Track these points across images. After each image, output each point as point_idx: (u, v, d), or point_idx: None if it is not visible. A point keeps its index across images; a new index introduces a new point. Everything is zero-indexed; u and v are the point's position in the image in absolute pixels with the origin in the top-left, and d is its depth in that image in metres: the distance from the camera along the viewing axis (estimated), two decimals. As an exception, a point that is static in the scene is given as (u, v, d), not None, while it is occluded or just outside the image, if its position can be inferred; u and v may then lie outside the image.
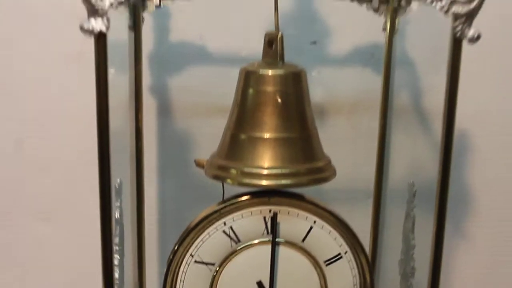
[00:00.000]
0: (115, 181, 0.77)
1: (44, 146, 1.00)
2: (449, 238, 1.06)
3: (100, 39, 0.63)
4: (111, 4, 0.62)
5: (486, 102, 1.03)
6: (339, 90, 1.00)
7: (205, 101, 0.97)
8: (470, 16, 0.66)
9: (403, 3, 0.80)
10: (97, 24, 0.62)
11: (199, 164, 0.79)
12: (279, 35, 0.75)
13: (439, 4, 0.66)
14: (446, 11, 0.66)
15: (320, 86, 1.00)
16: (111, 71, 0.67)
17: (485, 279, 1.09)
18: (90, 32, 0.62)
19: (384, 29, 0.86)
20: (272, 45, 0.75)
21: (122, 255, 0.78)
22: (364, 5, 0.84)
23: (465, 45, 0.67)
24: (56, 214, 1.02)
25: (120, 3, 0.63)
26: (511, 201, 1.06)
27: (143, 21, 0.83)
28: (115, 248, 0.77)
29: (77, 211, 1.01)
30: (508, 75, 1.02)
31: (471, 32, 0.66)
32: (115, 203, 0.77)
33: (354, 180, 1.00)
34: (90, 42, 0.63)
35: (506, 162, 1.05)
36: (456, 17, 0.66)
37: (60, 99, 0.98)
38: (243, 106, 0.74)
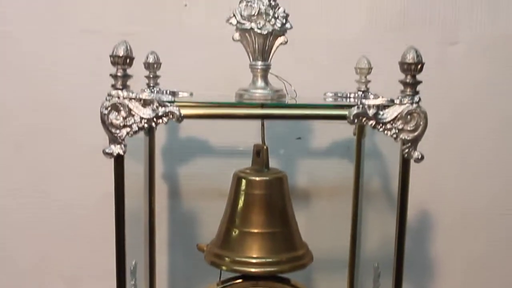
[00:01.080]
0: (130, 262, 0.89)
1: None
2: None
3: (119, 160, 0.77)
4: (128, 133, 0.76)
5: (444, 183, 1.16)
6: (320, 177, 1.13)
7: (209, 186, 1.10)
8: (414, 141, 0.79)
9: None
10: (116, 149, 0.76)
11: (200, 249, 0.92)
12: (265, 147, 0.88)
13: (389, 132, 0.79)
14: (395, 138, 0.79)
15: (305, 174, 1.13)
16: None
17: None
18: (110, 154, 0.76)
19: (355, 134, 0.99)
20: (259, 154, 0.89)
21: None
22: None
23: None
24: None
25: (135, 132, 0.76)
26: (471, 267, 1.19)
27: (156, 128, 0.96)
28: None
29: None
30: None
31: (416, 154, 0.79)
32: (130, 282, 0.90)
33: (332, 252, 1.12)
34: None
35: (464, 233, 1.18)
36: (404, 142, 0.79)
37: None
38: (235, 205, 0.88)
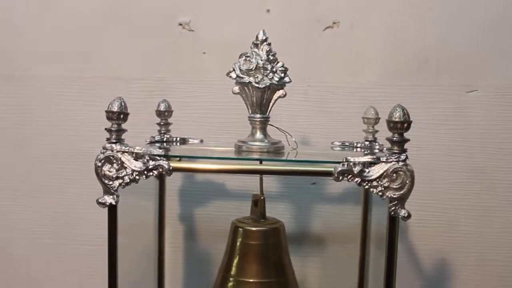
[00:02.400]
0: None
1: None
2: None
3: (111, 209, 0.79)
4: (120, 185, 0.78)
5: (463, 236, 1.12)
6: (335, 223, 1.12)
7: (224, 228, 1.10)
8: (401, 200, 0.77)
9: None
10: (109, 199, 0.78)
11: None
12: (262, 198, 0.88)
13: (375, 190, 0.77)
14: (381, 195, 0.77)
15: (319, 220, 1.12)
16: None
17: None
18: (103, 204, 0.78)
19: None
20: (257, 204, 0.89)
21: None
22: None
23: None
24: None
25: (127, 183, 0.78)
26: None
27: (168, 174, 0.98)
28: None
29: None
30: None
31: (403, 212, 0.77)
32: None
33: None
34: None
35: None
36: (390, 200, 0.77)
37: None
38: (232, 254, 0.89)
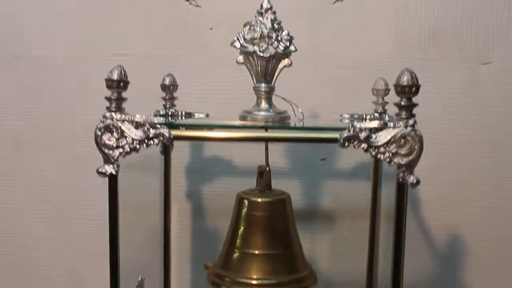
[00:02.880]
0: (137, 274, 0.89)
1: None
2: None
3: (112, 179, 0.76)
4: (120, 154, 0.76)
5: (480, 210, 1.09)
6: (344, 199, 1.09)
7: (229, 203, 1.07)
8: (409, 166, 0.74)
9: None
10: (109, 169, 0.76)
11: (207, 268, 0.90)
12: (267, 169, 0.85)
13: (382, 156, 0.74)
14: (389, 162, 0.74)
15: (329, 196, 1.09)
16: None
17: None
18: (103, 174, 0.75)
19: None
20: (263, 176, 0.86)
21: None
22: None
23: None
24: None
25: (128, 153, 0.76)
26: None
27: (172, 148, 0.96)
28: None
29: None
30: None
31: (411, 179, 0.74)
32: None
33: (352, 276, 1.07)
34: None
35: (499, 263, 1.10)
36: (399, 166, 0.74)
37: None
38: (237, 226, 0.86)
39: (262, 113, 0.82)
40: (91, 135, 0.76)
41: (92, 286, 1.17)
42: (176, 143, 0.96)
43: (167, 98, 0.96)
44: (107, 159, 0.76)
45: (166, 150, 0.96)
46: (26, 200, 1.17)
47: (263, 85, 0.83)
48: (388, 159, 0.74)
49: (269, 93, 0.84)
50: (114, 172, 0.76)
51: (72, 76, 1.13)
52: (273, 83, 0.84)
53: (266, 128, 0.79)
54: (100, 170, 0.76)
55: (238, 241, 0.85)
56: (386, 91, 0.93)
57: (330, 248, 1.09)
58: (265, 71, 0.82)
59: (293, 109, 0.87)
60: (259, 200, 0.84)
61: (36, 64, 1.14)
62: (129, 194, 0.84)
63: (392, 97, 0.89)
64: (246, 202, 0.85)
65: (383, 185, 0.97)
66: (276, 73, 0.84)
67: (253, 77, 0.84)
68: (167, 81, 0.96)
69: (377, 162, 0.96)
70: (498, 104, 1.07)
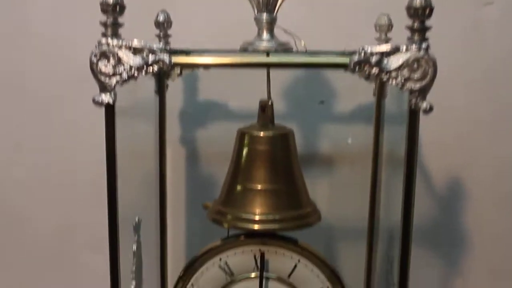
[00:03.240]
0: (133, 219, 0.85)
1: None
2: (446, 277, 1.09)
3: (109, 109, 0.72)
4: (117, 82, 0.71)
5: (477, 151, 1.06)
6: (343, 143, 1.05)
7: (227, 150, 1.03)
8: (422, 91, 0.70)
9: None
10: (106, 98, 0.71)
11: (206, 207, 0.86)
12: (270, 102, 0.81)
13: (394, 81, 0.70)
14: (402, 87, 0.70)
15: (327, 140, 1.05)
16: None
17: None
18: (100, 103, 0.71)
19: (374, 94, 0.90)
20: (264, 110, 0.81)
21: (139, 283, 0.85)
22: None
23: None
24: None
25: (125, 81, 0.71)
26: (501, 241, 1.08)
27: (167, 88, 0.91)
28: (132, 275, 0.85)
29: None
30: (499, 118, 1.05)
31: (424, 105, 0.70)
32: (133, 238, 0.85)
33: (353, 220, 1.04)
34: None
35: (496, 204, 1.07)
36: (411, 91, 0.70)
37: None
38: (238, 161, 0.81)
39: (264, 43, 0.78)
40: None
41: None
42: (170, 87, 0.92)
43: (161, 35, 0.91)
44: (103, 88, 0.72)
45: (161, 90, 0.91)
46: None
47: (264, 15, 0.78)
48: (400, 85, 0.70)
49: (271, 23, 0.79)
50: (111, 102, 0.72)
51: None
52: (275, 13, 0.79)
53: (267, 53, 0.74)
54: (96, 99, 0.72)
55: (239, 177, 0.81)
56: (389, 26, 0.89)
57: (330, 194, 1.06)
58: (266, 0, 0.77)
59: (295, 42, 0.82)
60: (261, 134, 0.80)
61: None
62: (123, 141, 0.79)
63: (395, 34, 0.87)
64: (247, 136, 0.81)
65: (385, 128, 0.93)
66: (279, 2, 0.79)
67: (254, 6, 0.79)
68: (161, 18, 0.91)
69: (379, 102, 0.91)
70: (500, 46, 1.03)
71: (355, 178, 1.05)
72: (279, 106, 1.02)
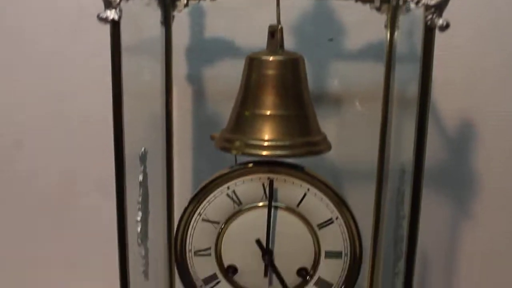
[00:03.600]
0: (140, 150, 0.82)
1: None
2: (455, 218, 1.06)
3: (115, 26, 0.69)
4: (122, -3, 0.68)
5: (489, 93, 1.02)
6: (353, 82, 1.02)
7: (234, 88, 1.00)
8: (439, 7, 0.67)
9: (400, 2, 0.81)
10: (111, 14, 0.68)
11: (213, 138, 0.83)
12: (279, 27, 0.78)
13: (410, -4, 0.67)
14: (417, 3, 0.67)
15: (336, 78, 1.02)
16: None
17: (490, 254, 1.09)
18: (105, 20, 0.67)
19: (386, 26, 0.87)
20: (274, 35, 0.78)
21: (145, 213, 0.83)
22: (368, 5, 0.85)
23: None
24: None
25: (131, -4, 0.68)
26: (510, 184, 1.05)
27: (173, 19, 0.88)
28: (138, 206, 0.82)
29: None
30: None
31: (440, 21, 0.67)
32: (139, 168, 0.82)
33: (362, 160, 1.01)
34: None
35: (507, 148, 1.04)
36: (427, 8, 0.67)
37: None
38: (247, 87, 0.78)
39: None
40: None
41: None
42: (175, 21, 0.89)
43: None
44: (108, 3, 0.68)
45: (166, 21, 0.88)
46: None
47: None
48: (416, 0, 0.66)
49: None
50: (116, 18, 0.68)
51: None
52: None
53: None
54: (100, 16, 0.68)
55: (248, 103, 0.78)
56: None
57: (339, 134, 1.02)
58: None
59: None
60: (271, 58, 0.77)
61: None
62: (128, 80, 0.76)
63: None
64: (256, 61, 0.77)
65: (396, 67, 0.89)
66: None
67: None
68: None
69: (392, 35, 0.88)
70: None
71: (366, 117, 1.02)
72: (287, 43, 0.99)
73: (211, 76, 1.03)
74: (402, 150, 0.99)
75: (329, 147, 0.79)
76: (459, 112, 1.03)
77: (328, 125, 1.00)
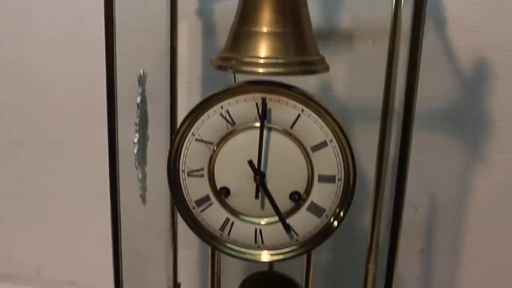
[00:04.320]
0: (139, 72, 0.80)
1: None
2: (466, 162, 1.01)
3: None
4: None
5: (506, 30, 0.96)
6: (364, 18, 0.97)
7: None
8: None
9: None
10: None
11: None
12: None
13: None
14: None
15: (348, 14, 0.98)
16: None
17: (502, 199, 1.03)
18: None
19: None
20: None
21: (142, 136, 0.81)
22: None
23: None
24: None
25: None
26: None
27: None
28: (135, 128, 0.81)
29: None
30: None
31: None
32: (137, 90, 0.81)
33: (369, 99, 0.98)
34: None
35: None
36: None
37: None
38: (245, 5, 0.75)
39: None
40: None
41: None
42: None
43: None
44: None
45: None
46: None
47: None
48: None
49: None
50: None
51: None
52: None
53: None
54: None
55: (245, 21, 0.75)
56: None
57: (347, 70, 0.99)
58: None
59: None
60: (268, -25, 0.73)
61: None
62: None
63: None
64: (253, -21, 0.74)
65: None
66: None
67: None
68: None
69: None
70: None
71: (374, 53, 0.98)
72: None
73: (221, 10, 1.00)
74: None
75: (326, 68, 0.76)
76: (475, 51, 0.98)
77: (339, 62, 0.97)
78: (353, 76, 1.00)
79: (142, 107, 0.82)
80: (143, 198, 0.84)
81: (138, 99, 0.81)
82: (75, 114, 1.13)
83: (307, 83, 0.79)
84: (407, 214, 0.98)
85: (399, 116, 0.85)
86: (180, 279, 0.99)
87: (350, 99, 1.00)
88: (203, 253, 1.13)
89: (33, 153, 1.18)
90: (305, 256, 0.83)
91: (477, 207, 1.03)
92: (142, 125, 0.82)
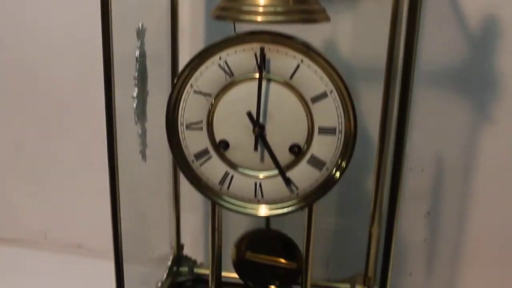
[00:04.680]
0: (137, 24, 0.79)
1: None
2: (474, 123, 0.98)
3: None
4: None
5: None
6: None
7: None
8: None
9: None
10: None
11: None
12: None
13: None
14: None
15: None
16: None
17: (508, 158, 1.01)
18: None
19: None
20: None
21: (142, 91, 0.80)
22: None
23: None
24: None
25: None
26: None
27: None
28: (134, 82, 0.79)
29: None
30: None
31: None
32: (136, 44, 0.79)
33: (373, 59, 0.95)
34: None
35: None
36: None
37: None
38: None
39: None
40: None
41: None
42: None
43: None
44: None
45: None
46: None
47: None
48: None
49: None
50: None
51: None
52: None
53: None
54: None
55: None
56: None
57: (354, 29, 0.96)
58: None
59: None
60: None
61: None
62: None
63: None
64: None
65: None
66: None
67: None
68: None
69: None
70: None
71: (378, 12, 0.95)
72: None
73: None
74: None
75: (327, 18, 0.73)
76: (485, 7, 0.94)
77: (343, 20, 0.94)
78: (357, 35, 0.97)
79: (141, 61, 0.80)
80: (143, 154, 0.83)
81: (137, 53, 0.79)
82: (75, 76, 1.12)
83: (310, 41, 0.76)
84: (414, 177, 0.96)
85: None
86: (183, 241, 0.98)
87: (354, 59, 0.98)
88: (206, 217, 1.12)
89: (35, 116, 1.17)
90: (306, 216, 0.81)
91: (484, 168, 1.00)
92: (141, 80, 0.80)
